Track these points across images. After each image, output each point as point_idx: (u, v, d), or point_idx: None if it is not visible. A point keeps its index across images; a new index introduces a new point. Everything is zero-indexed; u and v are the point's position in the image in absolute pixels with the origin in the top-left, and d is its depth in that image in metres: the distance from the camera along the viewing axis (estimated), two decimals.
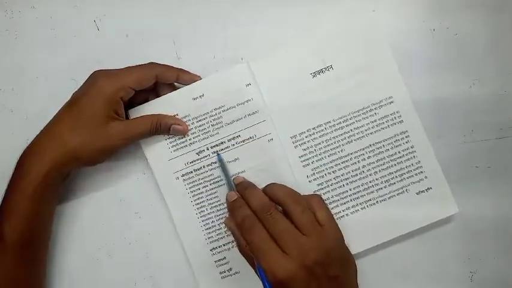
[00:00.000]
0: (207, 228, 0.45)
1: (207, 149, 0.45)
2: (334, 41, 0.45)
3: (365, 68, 0.45)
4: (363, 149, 0.45)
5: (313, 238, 0.39)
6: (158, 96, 0.45)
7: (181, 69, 0.45)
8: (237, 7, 0.48)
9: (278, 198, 0.41)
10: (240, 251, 0.43)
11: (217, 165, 0.45)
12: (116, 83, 0.41)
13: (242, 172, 0.45)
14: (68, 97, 0.43)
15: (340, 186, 0.45)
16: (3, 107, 0.48)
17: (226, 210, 0.45)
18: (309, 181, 0.45)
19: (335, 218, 0.45)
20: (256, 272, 0.41)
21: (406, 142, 0.45)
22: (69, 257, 0.47)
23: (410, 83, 0.45)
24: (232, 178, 0.45)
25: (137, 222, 0.47)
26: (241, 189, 0.43)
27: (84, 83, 0.43)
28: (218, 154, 0.45)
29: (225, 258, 0.45)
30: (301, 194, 0.45)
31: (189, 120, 0.45)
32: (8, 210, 0.40)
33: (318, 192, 0.45)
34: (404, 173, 0.45)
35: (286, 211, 0.40)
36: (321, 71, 0.45)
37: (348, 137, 0.45)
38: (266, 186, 0.43)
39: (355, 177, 0.45)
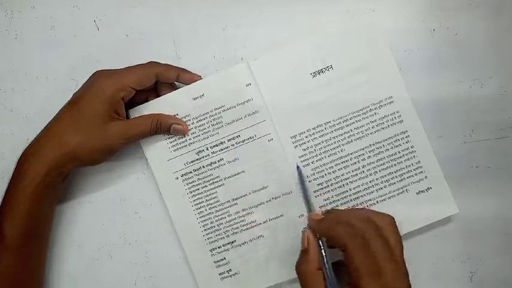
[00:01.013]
0: (206, 229, 0.45)
1: (207, 149, 0.45)
2: (334, 41, 0.45)
3: (365, 68, 0.45)
4: (363, 149, 0.45)
5: (402, 266, 0.36)
6: (159, 96, 0.45)
7: (181, 69, 0.45)
8: (237, 7, 0.48)
9: (373, 219, 0.38)
10: (299, 268, 0.38)
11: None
12: (117, 83, 0.41)
13: (242, 172, 0.45)
14: (68, 97, 0.43)
15: (340, 186, 0.45)
16: (3, 107, 0.48)
17: (225, 210, 0.45)
18: (309, 181, 0.45)
19: None
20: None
21: (406, 142, 0.45)
22: (69, 257, 0.47)
23: (410, 83, 0.45)
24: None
25: (137, 222, 0.47)
26: (325, 213, 0.40)
27: (84, 83, 0.43)
28: (298, 167, 0.44)
29: (224, 258, 0.45)
30: (300, 197, 0.45)
31: (189, 120, 0.45)
32: (8, 209, 0.40)
33: (318, 193, 0.45)
34: (404, 173, 0.45)
35: (385, 234, 0.37)
36: (321, 71, 0.45)
37: (348, 137, 0.45)
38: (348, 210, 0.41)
39: (355, 177, 0.45)
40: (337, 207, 0.45)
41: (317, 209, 0.44)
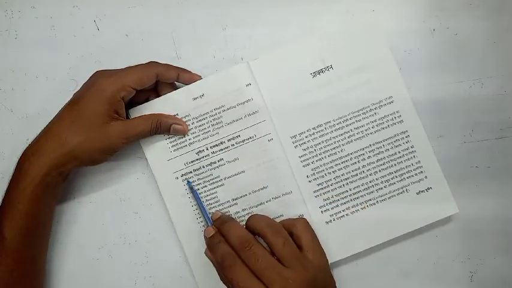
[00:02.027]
0: None
1: (207, 149, 0.45)
2: (334, 41, 0.45)
3: (365, 68, 0.45)
4: (363, 149, 0.45)
5: (297, 270, 0.38)
6: (159, 96, 0.45)
7: (181, 69, 0.45)
8: (237, 7, 0.48)
9: (257, 230, 0.40)
10: (222, 281, 0.41)
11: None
12: (117, 83, 0.41)
13: (242, 172, 0.45)
14: (68, 97, 0.43)
15: (340, 186, 0.45)
16: (3, 107, 0.48)
17: (225, 210, 0.45)
18: (309, 181, 0.45)
19: (335, 218, 0.45)
20: None
21: (406, 142, 0.45)
22: (69, 257, 0.47)
23: (410, 83, 0.45)
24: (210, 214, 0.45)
25: (137, 222, 0.47)
26: (219, 224, 0.42)
27: (84, 83, 0.43)
28: (188, 182, 0.45)
29: None
30: (301, 196, 0.45)
31: (189, 120, 0.45)
32: (8, 209, 0.40)
33: (317, 193, 0.45)
34: (404, 173, 0.45)
35: (267, 243, 0.40)
36: (321, 71, 0.45)
37: (348, 137, 0.45)
38: (248, 217, 0.42)
39: (355, 177, 0.45)
40: (337, 207, 0.45)
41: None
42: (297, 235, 0.41)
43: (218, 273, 0.41)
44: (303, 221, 0.43)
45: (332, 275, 0.42)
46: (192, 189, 0.45)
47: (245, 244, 0.39)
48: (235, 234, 0.40)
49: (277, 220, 0.44)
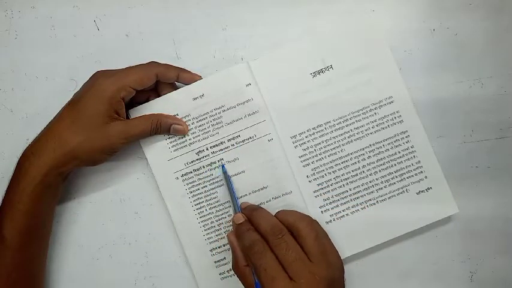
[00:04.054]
0: (206, 229, 0.45)
1: (207, 149, 0.45)
2: (334, 41, 0.45)
3: (365, 68, 0.45)
4: (363, 149, 0.45)
5: (322, 267, 0.38)
6: (159, 96, 0.45)
7: (182, 69, 0.45)
8: (237, 7, 0.48)
9: (290, 222, 0.40)
10: (234, 268, 0.41)
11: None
12: (117, 83, 0.41)
13: (242, 172, 0.45)
14: (68, 97, 0.43)
15: (340, 186, 0.45)
16: (3, 107, 0.48)
17: (225, 210, 0.45)
18: (309, 181, 0.45)
19: (335, 218, 0.45)
20: None
21: (406, 142, 0.45)
22: (69, 257, 0.47)
23: (410, 83, 0.45)
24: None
25: (137, 222, 0.47)
26: (248, 212, 0.42)
27: (85, 83, 0.43)
28: (223, 166, 0.45)
29: (224, 258, 0.45)
30: (301, 196, 0.45)
31: (189, 120, 0.45)
32: (8, 209, 0.40)
33: (317, 193, 0.45)
34: (404, 173, 0.45)
35: (298, 236, 0.39)
36: (321, 71, 0.45)
37: (348, 137, 0.45)
38: (276, 213, 0.42)
39: (355, 177, 0.45)
40: (337, 207, 0.45)
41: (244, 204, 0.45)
42: (317, 231, 0.40)
43: (234, 259, 0.41)
44: (315, 221, 0.42)
45: (344, 282, 0.41)
46: (225, 174, 0.44)
47: (277, 232, 0.39)
48: (267, 222, 0.40)
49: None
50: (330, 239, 0.41)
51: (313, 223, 0.41)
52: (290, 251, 0.38)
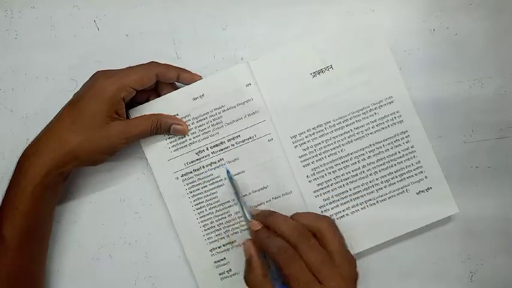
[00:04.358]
0: (206, 229, 0.45)
1: (207, 149, 0.45)
2: (334, 41, 0.45)
3: (365, 68, 0.45)
4: (363, 149, 0.45)
5: (346, 267, 0.38)
6: (159, 96, 0.45)
7: (182, 69, 0.45)
8: (237, 7, 0.48)
9: (311, 224, 0.40)
10: (248, 279, 0.40)
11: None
12: (117, 83, 0.41)
13: (242, 172, 0.45)
14: (68, 97, 0.43)
15: (340, 186, 0.45)
16: (3, 107, 0.48)
17: (225, 210, 0.45)
18: (309, 181, 0.45)
19: (335, 218, 0.45)
20: None
21: (406, 142, 0.45)
22: (69, 257, 0.47)
23: (410, 83, 0.45)
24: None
25: (137, 222, 0.47)
26: (263, 218, 0.41)
27: (85, 83, 0.43)
28: (228, 171, 0.45)
29: (224, 258, 0.45)
30: (301, 196, 0.45)
31: (189, 120, 0.45)
32: (8, 209, 0.40)
33: (317, 193, 0.45)
34: (404, 173, 0.45)
35: (321, 237, 0.39)
36: (321, 71, 0.45)
37: (348, 137, 0.45)
38: (294, 214, 0.42)
39: (355, 177, 0.45)
40: (337, 207, 0.45)
41: (253, 209, 0.44)
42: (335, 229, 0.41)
43: (252, 270, 0.40)
44: (327, 223, 0.41)
45: None
46: (231, 179, 0.44)
47: (303, 236, 0.38)
48: (289, 226, 0.39)
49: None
50: (339, 233, 0.41)
51: (332, 223, 0.40)
52: (317, 255, 0.38)
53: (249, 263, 0.40)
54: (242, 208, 0.44)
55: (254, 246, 0.41)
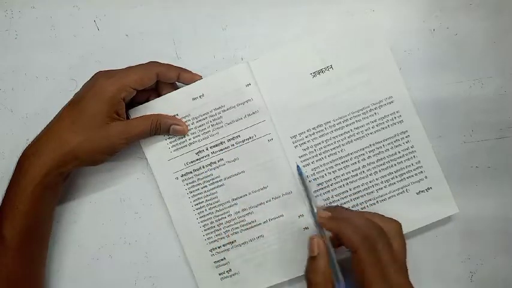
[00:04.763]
0: (206, 229, 0.45)
1: (207, 149, 0.45)
2: (334, 41, 0.45)
3: (365, 68, 0.45)
4: (363, 149, 0.45)
5: (405, 271, 0.39)
6: (159, 96, 0.45)
7: (182, 68, 0.45)
8: (237, 7, 0.48)
9: (385, 225, 0.39)
10: (312, 273, 0.38)
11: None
12: (117, 83, 0.41)
13: (242, 172, 0.45)
14: (68, 97, 0.43)
15: (340, 186, 0.45)
16: (3, 107, 0.48)
17: (225, 210, 0.45)
18: (309, 181, 0.45)
19: None
20: None
21: (406, 142, 0.45)
22: (69, 257, 0.47)
23: (410, 83, 0.45)
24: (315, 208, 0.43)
25: (137, 222, 0.47)
26: (332, 211, 0.41)
27: (85, 84, 0.43)
28: (298, 167, 0.44)
29: (224, 258, 0.45)
30: (301, 196, 0.45)
31: (189, 120, 0.45)
32: (8, 209, 0.40)
33: (318, 193, 0.45)
34: (404, 173, 0.45)
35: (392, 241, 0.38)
36: (321, 71, 0.45)
37: (348, 137, 0.45)
38: (359, 212, 0.42)
39: (355, 177, 0.45)
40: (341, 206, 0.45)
41: (321, 205, 0.44)
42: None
43: (320, 264, 0.38)
44: (396, 226, 0.40)
45: None
46: (301, 175, 0.44)
47: (383, 235, 0.37)
48: (367, 222, 0.38)
49: (275, 221, 0.45)
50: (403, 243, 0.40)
51: (401, 228, 0.40)
52: (390, 255, 0.37)
53: (314, 261, 0.39)
54: (310, 203, 0.43)
55: (323, 241, 0.39)
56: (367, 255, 0.36)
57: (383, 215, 0.41)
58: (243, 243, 0.45)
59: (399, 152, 0.45)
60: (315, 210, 0.42)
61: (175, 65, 0.45)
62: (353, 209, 0.45)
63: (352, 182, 0.45)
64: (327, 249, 0.39)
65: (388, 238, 0.38)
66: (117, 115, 0.42)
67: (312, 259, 0.39)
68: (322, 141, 0.45)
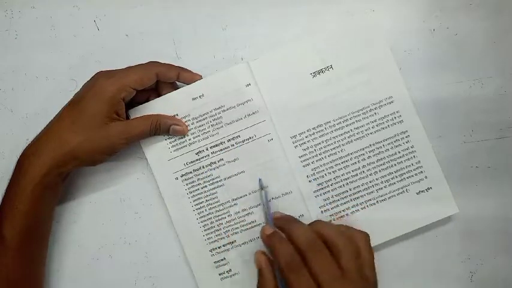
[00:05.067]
0: (206, 229, 0.45)
1: (207, 149, 0.45)
2: (334, 41, 0.45)
3: (365, 68, 0.45)
4: (363, 149, 0.45)
5: (359, 286, 0.37)
6: (159, 96, 0.45)
7: (182, 68, 0.45)
8: (237, 7, 0.48)
9: (329, 236, 0.38)
10: (260, 286, 0.40)
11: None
12: (117, 83, 0.41)
13: (242, 172, 0.45)
14: (68, 97, 0.43)
15: (340, 186, 0.45)
16: (3, 107, 0.48)
17: (225, 210, 0.45)
18: (309, 181, 0.45)
19: (335, 218, 0.45)
20: None
21: (406, 142, 0.45)
22: (69, 257, 0.47)
23: (410, 83, 0.45)
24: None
25: (137, 222, 0.47)
26: (281, 223, 0.41)
27: (85, 84, 0.43)
28: (260, 180, 0.44)
29: (224, 259, 0.45)
30: (301, 196, 0.45)
31: (189, 120, 0.45)
32: (8, 209, 0.40)
33: (317, 193, 0.45)
34: (404, 173, 0.45)
35: (336, 252, 0.38)
36: (321, 71, 0.45)
37: (348, 137, 0.45)
38: (312, 222, 0.41)
39: (355, 177, 0.45)
40: (337, 207, 0.45)
41: (274, 217, 0.44)
42: (357, 247, 0.39)
43: (266, 282, 0.40)
44: (365, 236, 0.41)
45: None
46: (261, 187, 0.44)
47: (315, 247, 0.38)
48: (304, 234, 0.38)
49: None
50: (371, 253, 0.40)
51: (352, 241, 0.39)
52: (326, 269, 0.37)
53: (260, 273, 0.41)
54: (267, 213, 0.44)
55: (265, 256, 0.40)
56: (291, 272, 0.37)
57: (350, 227, 0.41)
58: (243, 243, 0.45)
59: (399, 152, 0.45)
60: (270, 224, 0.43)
61: (175, 65, 0.45)
62: (353, 209, 0.45)
63: (352, 182, 0.45)
64: (271, 263, 0.40)
65: (323, 248, 0.38)
66: (117, 115, 0.42)
67: (258, 272, 0.41)
68: (322, 141, 0.45)
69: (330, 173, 0.45)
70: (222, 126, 0.45)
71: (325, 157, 0.45)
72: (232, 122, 0.45)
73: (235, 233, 0.45)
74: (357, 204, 0.45)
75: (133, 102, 0.45)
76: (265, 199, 0.44)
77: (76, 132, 0.41)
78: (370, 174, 0.45)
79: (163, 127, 0.44)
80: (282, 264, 0.38)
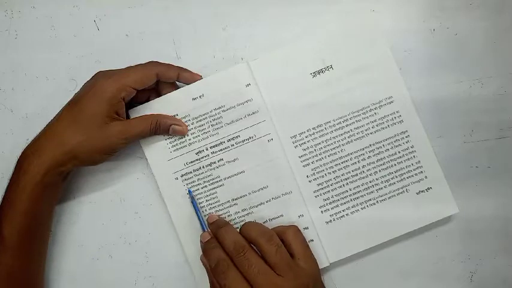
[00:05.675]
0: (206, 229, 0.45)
1: (207, 149, 0.45)
2: (334, 41, 0.45)
3: (365, 68, 0.45)
4: (363, 149, 0.45)
5: (289, 278, 0.39)
6: (159, 96, 0.45)
7: (182, 68, 0.45)
8: (237, 7, 0.48)
9: (251, 237, 0.41)
10: None
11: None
12: (117, 83, 0.41)
13: (242, 172, 0.45)
14: (68, 97, 0.43)
15: (340, 186, 0.45)
16: (3, 107, 0.48)
17: (225, 210, 0.45)
18: (309, 181, 0.45)
19: (335, 218, 0.45)
20: None
21: (406, 142, 0.45)
22: (69, 257, 0.47)
23: (410, 83, 0.45)
24: (206, 217, 0.45)
25: (137, 222, 0.47)
26: (214, 229, 0.43)
27: (85, 84, 0.43)
28: (189, 190, 0.45)
29: None
30: (301, 196, 0.45)
31: (189, 120, 0.45)
32: (8, 209, 0.40)
33: (317, 193, 0.45)
34: (404, 173, 0.45)
35: (260, 251, 0.40)
36: (321, 71, 0.45)
37: (348, 137, 0.45)
38: (242, 225, 0.43)
39: (355, 177, 0.45)
40: (337, 207, 0.45)
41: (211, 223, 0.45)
42: (288, 242, 0.41)
43: (210, 280, 0.42)
44: (294, 229, 0.43)
45: (323, 284, 0.42)
46: (192, 198, 0.45)
47: (239, 250, 0.39)
48: (230, 239, 0.40)
49: (275, 221, 0.45)
50: (301, 245, 0.42)
51: (272, 238, 0.41)
52: (253, 267, 0.38)
53: (208, 274, 0.42)
54: (200, 220, 0.44)
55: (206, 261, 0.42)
56: (218, 276, 0.39)
57: (259, 226, 0.42)
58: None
59: (399, 152, 0.45)
60: (206, 230, 0.44)
61: (175, 64, 0.45)
62: (353, 209, 0.45)
63: (352, 182, 0.45)
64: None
65: (248, 249, 0.40)
66: (116, 115, 0.42)
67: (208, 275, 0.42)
68: (322, 141, 0.45)
69: (330, 173, 0.45)
70: (222, 126, 0.45)
71: (325, 157, 0.45)
72: (232, 122, 0.45)
73: None
74: (357, 204, 0.45)
75: (133, 102, 0.45)
76: (196, 208, 0.44)
77: (76, 132, 0.41)
78: (370, 174, 0.45)
79: (163, 127, 0.44)
80: (211, 270, 0.40)
